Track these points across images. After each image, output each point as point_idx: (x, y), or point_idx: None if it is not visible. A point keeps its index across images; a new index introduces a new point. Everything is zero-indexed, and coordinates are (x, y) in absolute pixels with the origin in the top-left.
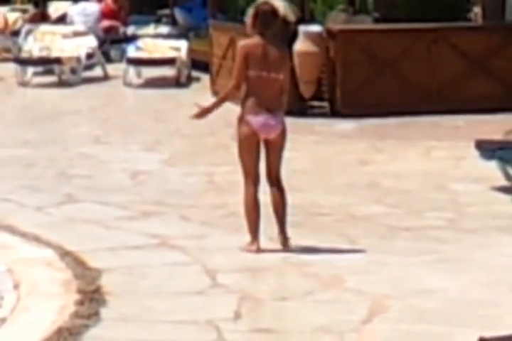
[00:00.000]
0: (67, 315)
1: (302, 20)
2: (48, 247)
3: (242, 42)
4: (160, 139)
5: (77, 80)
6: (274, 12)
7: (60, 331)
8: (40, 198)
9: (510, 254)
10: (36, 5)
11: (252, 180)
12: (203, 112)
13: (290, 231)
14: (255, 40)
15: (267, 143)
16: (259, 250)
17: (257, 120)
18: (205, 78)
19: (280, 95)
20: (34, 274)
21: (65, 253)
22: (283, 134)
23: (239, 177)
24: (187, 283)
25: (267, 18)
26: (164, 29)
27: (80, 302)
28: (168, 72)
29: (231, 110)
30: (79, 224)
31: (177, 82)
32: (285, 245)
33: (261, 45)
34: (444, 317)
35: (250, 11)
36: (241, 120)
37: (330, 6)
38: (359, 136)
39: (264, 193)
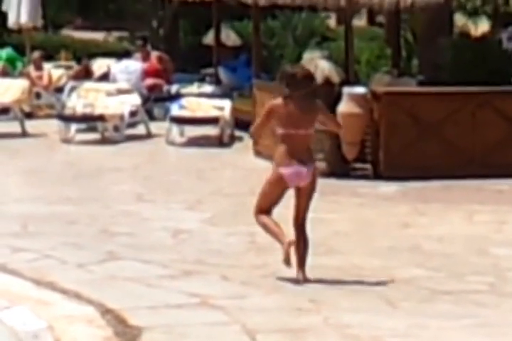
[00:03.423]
0: None
1: (346, 81)
2: (88, 304)
3: (270, 101)
4: (202, 198)
5: (120, 138)
6: (296, 74)
7: None
8: (82, 255)
9: None
10: (80, 62)
11: (268, 214)
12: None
13: (331, 293)
14: (280, 100)
15: (297, 190)
16: (291, 242)
17: (288, 171)
18: (248, 138)
19: (310, 146)
20: (75, 331)
21: (105, 311)
22: (313, 182)
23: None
24: None
25: (292, 80)
26: (208, 88)
27: None
28: (211, 131)
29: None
30: (120, 282)
31: (220, 142)
32: (303, 279)
33: (285, 105)
34: None
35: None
36: (275, 170)
37: (374, 67)
38: (402, 199)
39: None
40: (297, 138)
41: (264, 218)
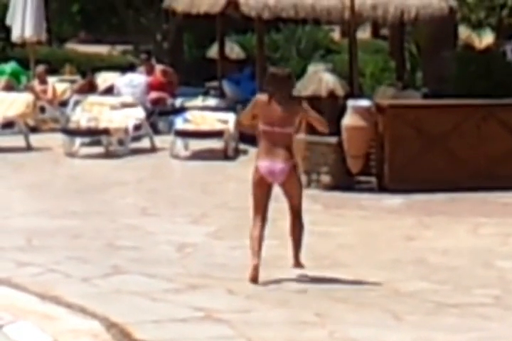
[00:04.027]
0: None
1: (351, 94)
2: (93, 319)
3: (258, 95)
4: (207, 212)
5: (124, 151)
6: (276, 74)
7: None
8: (87, 269)
9: None
10: (84, 76)
11: (260, 216)
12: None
13: (336, 307)
14: (265, 96)
15: (281, 188)
16: (255, 267)
17: (262, 165)
18: (253, 151)
19: (290, 145)
20: None
21: (111, 325)
22: (291, 178)
23: (285, 252)
24: None
25: (274, 80)
26: (212, 101)
27: None
28: (216, 144)
29: (275, 185)
30: (125, 296)
31: (224, 155)
32: (297, 264)
33: (267, 103)
34: None
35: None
36: (255, 166)
37: (378, 80)
38: (406, 212)
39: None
40: (273, 135)
41: (254, 233)
